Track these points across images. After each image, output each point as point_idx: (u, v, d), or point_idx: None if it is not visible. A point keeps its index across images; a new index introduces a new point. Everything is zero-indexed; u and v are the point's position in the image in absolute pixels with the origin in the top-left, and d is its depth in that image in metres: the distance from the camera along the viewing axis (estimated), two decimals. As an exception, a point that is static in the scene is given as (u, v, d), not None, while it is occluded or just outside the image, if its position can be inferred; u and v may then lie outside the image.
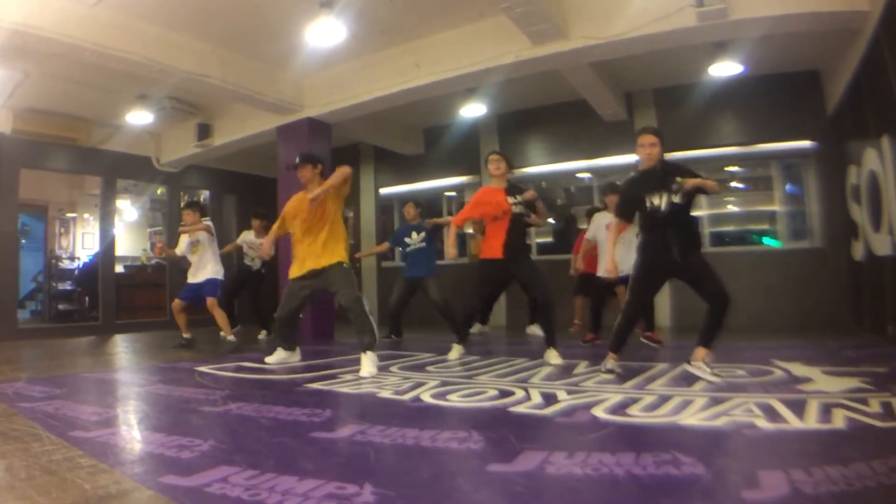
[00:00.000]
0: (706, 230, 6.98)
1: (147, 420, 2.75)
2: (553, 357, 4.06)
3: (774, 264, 6.59)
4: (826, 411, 2.38)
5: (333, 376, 3.79)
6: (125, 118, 7.22)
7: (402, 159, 8.99)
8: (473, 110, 7.20)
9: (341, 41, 5.10)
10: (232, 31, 5.51)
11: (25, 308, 9.44)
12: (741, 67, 5.82)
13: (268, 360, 4.43)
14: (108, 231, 8.56)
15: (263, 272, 6.87)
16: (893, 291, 4.46)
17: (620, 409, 2.60)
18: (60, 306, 8.77)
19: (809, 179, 6.58)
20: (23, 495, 1.63)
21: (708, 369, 3.24)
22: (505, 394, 3.03)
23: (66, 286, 9.04)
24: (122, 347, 6.33)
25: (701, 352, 3.30)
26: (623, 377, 3.40)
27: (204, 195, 10.16)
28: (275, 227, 4.42)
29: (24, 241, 8.85)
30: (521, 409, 2.69)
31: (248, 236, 6.89)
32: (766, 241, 6.94)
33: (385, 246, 6.89)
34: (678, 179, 3.25)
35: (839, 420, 2.25)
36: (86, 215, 10.51)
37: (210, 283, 5.63)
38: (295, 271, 4.22)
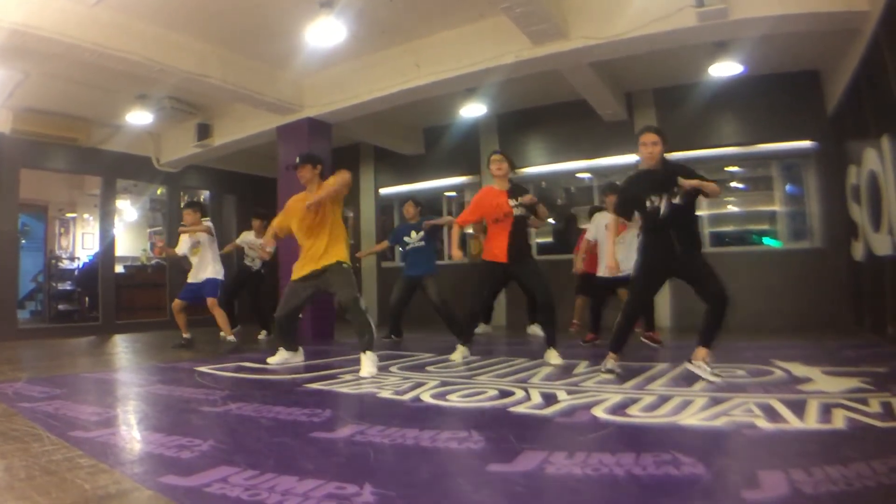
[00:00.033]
0: (706, 230, 6.98)
1: (147, 420, 2.75)
2: (553, 357, 4.06)
3: (774, 264, 6.59)
4: (826, 411, 2.38)
5: (333, 376, 3.79)
6: (125, 118, 7.21)
7: (402, 159, 8.99)
8: (473, 110, 7.20)
9: (341, 41, 5.10)
10: (232, 31, 5.52)
11: (25, 308, 9.44)
12: (741, 67, 5.82)
13: (270, 360, 4.43)
14: (108, 231, 8.56)
15: (263, 272, 6.87)
16: (893, 291, 4.46)
17: (620, 409, 2.60)
18: (60, 306, 8.76)
19: (809, 179, 6.58)
20: (22, 495, 1.63)
21: (708, 369, 3.24)
22: (505, 394, 3.03)
23: (66, 286, 9.04)
24: (122, 347, 6.33)
25: (701, 352, 3.31)
26: (623, 377, 3.40)
27: (204, 195, 10.16)
28: (275, 221, 4.41)
29: (23, 241, 8.84)
30: (521, 409, 2.69)
31: (247, 236, 6.89)
32: (766, 241, 6.94)
33: (384, 244, 6.88)
34: (679, 180, 3.25)
35: (839, 420, 2.24)
36: (86, 215, 10.51)
37: (210, 284, 5.63)
38: (297, 272, 4.22)
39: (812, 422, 2.26)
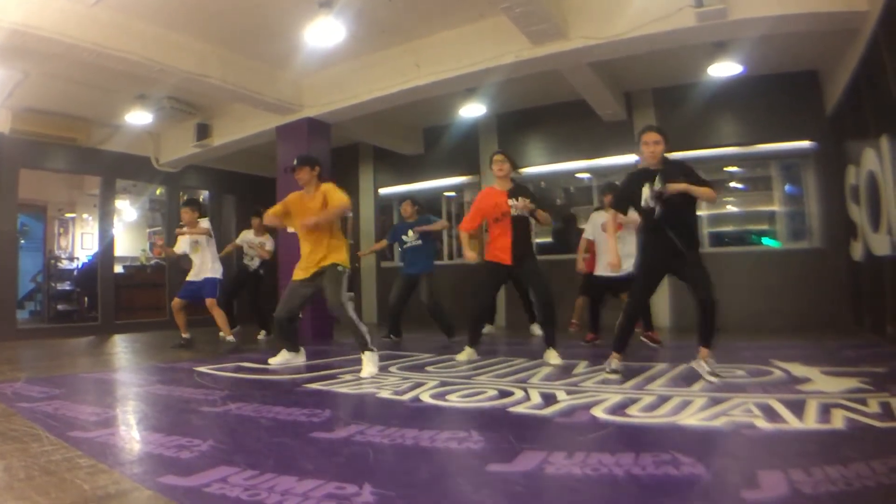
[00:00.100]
0: (705, 230, 6.98)
1: (146, 420, 2.75)
2: (553, 357, 4.07)
3: (774, 264, 6.59)
4: (825, 411, 2.38)
5: (333, 376, 3.79)
6: (125, 118, 7.21)
7: (401, 159, 8.98)
8: (473, 110, 7.20)
9: (341, 41, 5.09)
10: (231, 31, 5.51)
11: (24, 308, 9.43)
12: (740, 67, 5.82)
13: (272, 361, 4.42)
14: (108, 231, 8.55)
15: (262, 273, 6.88)
16: (892, 291, 4.46)
17: (620, 409, 2.60)
18: (59, 306, 8.76)
19: (809, 180, 6.58)
20: (22, 495, 1.63)
21: (706, 368, 3.26)
22: (504, 394, 3.03)
23: (66, 286, 9.04)
24: (122, 347, 6.33)
25: (703, 352, 3.34)
26: (623, 377, 3.40)
27: (203, 195, 10.16)
28: (277, 208, 4.35)
29: (23, 241, 8.83)
30: (520, 409, 2.69)
31: (247, 235, 6.90)
32: (766, 241, 6.94)
33: (384, 243, 6.89)
34: (662, 183, 3.26)
35: (838, 420, 2.25)
36: (85, 215, 10.51)
37: (209, 283, 5.63)
38: (298, 274, 4.23)
39: (811, 422, 2.27)
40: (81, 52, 4.86)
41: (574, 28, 4.93)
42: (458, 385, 3.34)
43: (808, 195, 6.58)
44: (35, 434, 2.34)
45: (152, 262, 9.72)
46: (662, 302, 6.59)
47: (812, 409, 2.44)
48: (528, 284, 4.41)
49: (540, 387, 3.21)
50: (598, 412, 2.55)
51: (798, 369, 3.42)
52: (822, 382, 3.04)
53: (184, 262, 5.97)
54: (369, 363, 3.83)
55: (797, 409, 2.43)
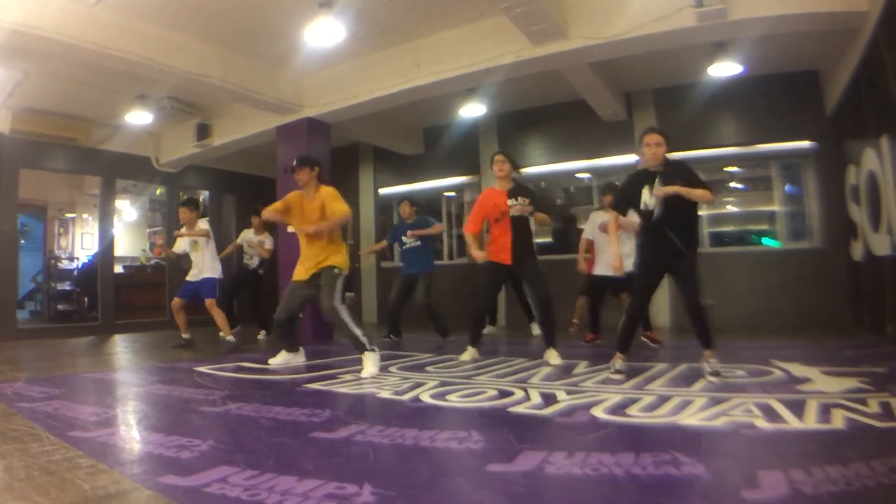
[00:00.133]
0: (705, 230, 6.98)
1: (146, 420, 2.75)
2: (553, 357, 4.07)
3: (774, 264, 6.59)
4: (825, 411, 2.38)
5: (333, 376, 3.79)
6: (124, 118, 7.21)
7: (401, 159, 8.98)
8: (473, 110, 7.20)
9: (341, 41, 5.09)
10: (231, 31, 5.51)
11: (24, 308, 9.43)
12: (741, 67, 5.82)
13: (271, 361, 4.42)
14: (108, 231, 8.55)
15: (261, 273, 6.88)
16: (893, 291, 4.46)
17: (620, 409, 2.60)
18: (59, 306, 8.76)
19: (809, 180, 6.58)
20: (22, 495, 1.63)
21: (708, 368, 3.29)
22: (504, 394, 3.03)
23: (66, 286, 9.03)
24: (122, 347, 6.33)
25: (706, 352, 3.37)
26: (626, 377, 3.41)
27: (203, 195, 10.16)
28: (277, 205, 4.30)
29: (23, 241, 8.83)
30: (520, 409, 2.69)
31: (247, 235, 6.91)
32: (766, 241, 6.94)
33: (384, 243, 6.91)
34: (661, 185, 3.27)
35: (838, 420, 2.25)
36: (85, 215, 10.51)
37: (208, 283, 5.63)
38: (298, 274, 4.22)
39: (811, 422, 2.27)
40: (81, 52, 4.86)
41: (574, 28, 4.93)
42: (458, 385, 3.34)
43: (808, 195, 6.58)
44: (35, 434, 2.34)
45: (152, 262, 9.71)
46: (662, 302, 6.58)
47: (812, 409, 2.44)
48: (527, 284, 4.42)
49: (540, 387, 3.21)
50: (599, 412, 2.55)
51: (798, 369, 3.42)
52: (823, 382, 3.04)
53: (184, 262, 5.97)
54: (370, 363, 3.83)
55: (797, 409, 2.43)
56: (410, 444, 2.15)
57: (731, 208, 7.34)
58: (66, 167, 8.29)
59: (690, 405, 2.61)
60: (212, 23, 5.30)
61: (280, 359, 4.44)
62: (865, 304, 5.42)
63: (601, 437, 2.22)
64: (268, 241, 6.81)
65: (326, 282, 4.03)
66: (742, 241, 7.09)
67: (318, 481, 1.71)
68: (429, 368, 4.06)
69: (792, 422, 2.27)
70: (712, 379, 3.18)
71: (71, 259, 9.89)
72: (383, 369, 3.94)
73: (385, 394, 3.16)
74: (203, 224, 5.75)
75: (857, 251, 5.46)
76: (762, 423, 2.26)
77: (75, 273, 9.29)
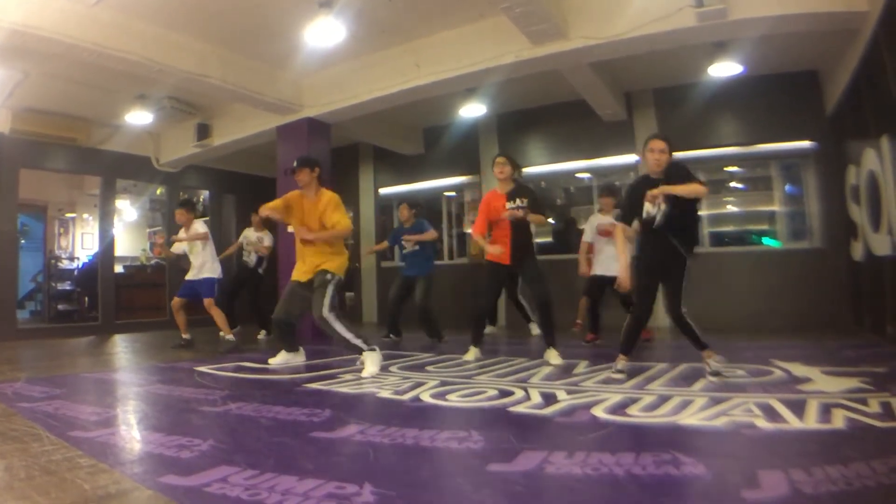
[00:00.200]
0: (706, 230, 6.98)
1: (146, 420, 2.75)
2: (553, 357, 4.07)
3: (774, 264, 6.59)
4: (826, 411, 2.38)
5: (333, 376, 3.79)
6: (125, 118, 7.21)
7: (401, 159, 8.98)
8: (473, 110, 7.20)
9: (341, 41, 5.09)
10: (231, 31, 5.51)
11: (25, 308, 9.43)
12: (741, 67, 5.82)
13: (271, 361, 4.43)
14: (108, 231, 8.55)
15: (261, 272, 6.88)
16: (893, 291, 4.46)
17: (620, 408, 2.60)
18: (60, 306, 8.76)
19: (809, 179, 6.58)
20: (22, 495, 1.63)
21: (708, 368, 3.31)
22: (504, 394, 3.03)
23: (66, 286, 9.03)
24: (122, 347, 6.33)
25: (704, 354, 3.39)
26: (627, 377, 3.41)
27: (203, 195, 10.16)
28: (277, 202, 4.23)
29: (23, 241, 8.83)
30: (520, 408, 2.69)
31: (248, 233, 6.92)
32: (766, 241, 6.94)
33: (385, 245, 6.92)
34: (647, 193, 3.28)
35: (839, 420, 2.25)
36: (85, 215, 10.51)
37: (207, 283, 5.64)
38: (297, 275, 4.20)
39: (812, 422, 2.27)
40: (81, 52, 4.85)
41: (574, 28, 4.93)
42: (459, 385, 3.34)
43: (809, 195, 6.58)
44: (35, 434, 2.35)
45: (152, 262, 9.71)
46: (661, 302, 6.57)
47: (812, 408, 2.44)
48: (526, 284, 4.45)
49: (540, 386, 3.21)
50: (599, 412, 2.55)
51: (798, 369, 3.42)
52: (823, 382, 3.04)
53: (184, 262, 5.98)
54: (370, 362, 3.83)
55: (798, 408, 2.43)
56: (411, 443, 2.15)
57: (731, 208, 7.34)
58: (66, 167, 8.29)
59: (691, 405, 2.61)
60: (212, 23, 5.30)
61: (280, 359, 4.44)
62: (865, 304, 5.42)
63: (601, 436, 2.22)
64: (266, 239, 6.82)
65: (318, 286, 4.01)
66: (742, 241, 7.09)
67: (319, 481, 1.71)
68: (429, 368, 4.06)
69: (792, 422, 2.27)
70: (713, 379, 3.19)
71: (71, 259, 9.89)
72: (383, 369, 3.94)
73: (385, 393, 3.17)
74: (200, 226, 5.76)
75: (858, 251, 5.46)
76: (762, 423, 2.26)
77: (75, 273, 9.29)
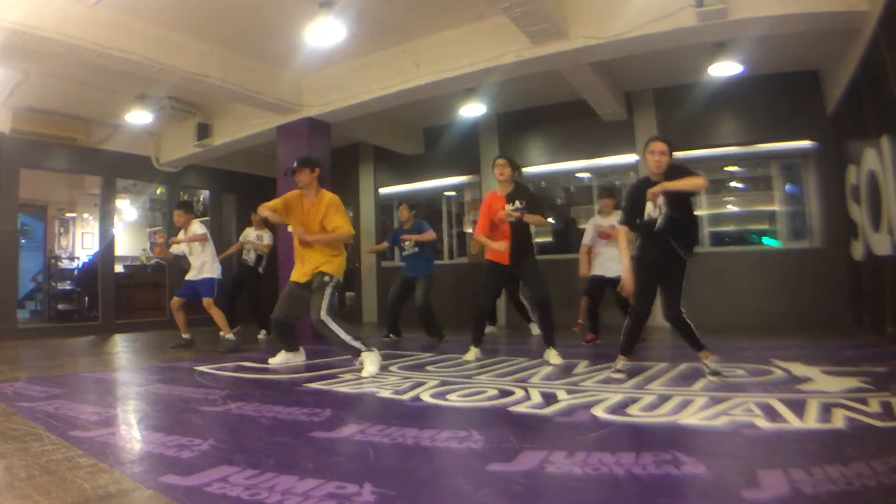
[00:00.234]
0: (706, 230, 6.98)
1: (147, 420, 2.75)
2: (553, 357, 4.08)
3: (774, 264, 6.59)
4: (826, 411, 2.38)
5: (333, 376, 3.79)
6: (125, 118, 7.20)
7: (401, 159, 8.98)
8: (473, 110, 7.19)
9: (341, 41, 5.09)
10: (231, 31, 5.51)
11: (25, 308, 9.44)
12: (741, 67, 5.82)
13: (271, 361, 4.43)
14: (108, 231, 8.55)
15: (261, 271, 6.88)
16: (893, 291, 4.46)
17: (620, 408, 2.60)
18: (60, 306, 8.76)
19: (809, 179, 6.58)
20: (23, 495, 1.63)
21: (708, 368, 3.31)
22: (505, 393, 3.03)
23: (66, 286, 9.03)
24: (122, 347, 6.33)
25: (700, 354, 3.39)
26: (627, 376, 3.41)
27: (203, 195, 10.16)
28: (277, 202, 4.18)
29: (23, 240, 8.84)
30: (520, 408, 2.69)
31: (248, 232, 6.92)
32: (766, 241, 6.94)
33: (385, 245, 6.92)
34: (648, 192, 3.28)
35: (839, 420, 2.25)
36: (85, 215, 10.52)
37: (206, 283, 5.65)
38: (296, 276, 4.19)
39: (812, 421, 2.27)
40: (81, 52, 4.85)
41: (574, 28, 4.93)
42: (459, 384, 3.34)
43: (809, 195, 6.58)
44: (36, 433, 2.35)
45: (152, 261, 9.71)
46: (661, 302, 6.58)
47: (813, 408, 2.44)
48: (525, 284, 4.45)
49: (540, 386, 3.21)
50: (599, 411, 2.55)
51: (798, 369, 3.42)
52: (823, 382, 3.04)
53: (184, 262, 5.98)
54: (369, 363, 3.83)
55: (798, 408, 2.43)
56: (411, 443, 2.15)
57: (731, 208, 7.34)
58: (67, 167, 8.29)
59: (691, 404, 2.61)
60: (212, 22, 5.30)
61: (280, 358, 4.44)
62: (865, 303, 5.42)
63: (602, 436, 2.22)
64: (266, 237, 6.82)
65: (317, 288, 4.00)
66: (742, 240, 7.09)
67: (319, 481, 1.71)
68: (429, 368, 4.06)
69: (792, 421, 2.27)
70: (713, 378, 3.19)
71: (71, 259, 9.89)
72: (383, 368, 3.94)
73: (385, 393, 3.17)
74: (198, 227, 5.78)
75: (858, 251, 5.46)
76: (763, 423, 2.26)
77: (76, 273, 9.29)
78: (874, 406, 2.40)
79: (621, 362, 3.54)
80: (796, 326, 5.95)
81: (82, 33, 4.71)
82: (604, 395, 2.90)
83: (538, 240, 7.98)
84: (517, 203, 4.23)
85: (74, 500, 1.60)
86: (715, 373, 3.24)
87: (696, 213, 3.53)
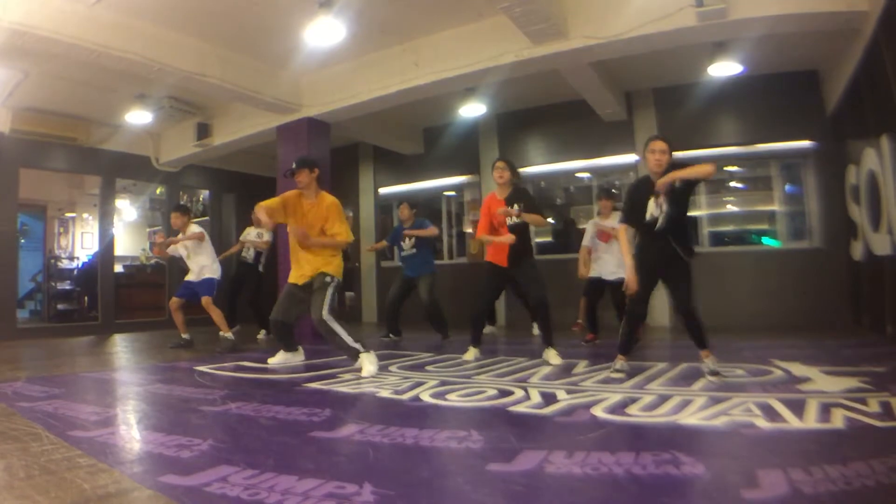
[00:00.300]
0: (705, 230, 6.98)
1: (146, 419, 2.75)
2: (552, 356, 4.08)
3: (774, 264, 6.59)
4: (825, 411, 2.38)
5: (333, 376, 3.79)
6: (124, 118, 7.21)
7: (401, 159, 8.99)
8: (473, 110, 7.19)
9: (340, 41, 5.09)
10: (231, 31, 5.51)
11: (24, 308, 9.44)
12: (741, 67, 5.82)
13: (270, 361, 4.43)
14: (108, 231, 8.56)
15: (261, 270, 6.88)
16: (893, 291, 4.47)
17: (620, 408, 2.60)
18: (59, 306, 8.76)
19: (809, 179, 6.58)
20: (22, 495, 1.63)
21: (708, 368, 3.30)
22: (504, 393, 3.03)
23: (66, 286, 9.04)
24: (121, 347, 6.33)
25: (702, 353, 3.38)
26: (626, 376, 3.41)
27: (203, 195, 10.16)
28: (275, 201, 4.12)
29: (23, 240, 8.84)
30: (520, 408, 2.69)
31: (249, 231, 6.92)
32: (766, 241, 6.95)
33: (384, 243, 6.92)
34: (657, 182, 3.28)
35: (838, 420, 2.25)
36: (85, 215, 10.52)
37: (206, 283, 5.65)
38: (295, 277, 4.19)
39: (811, 421, 2.27)
40: (81, 52, 4.86)
41: (574, 28, 4.93)
42: (458, 384, 3.34)
43: (808, 195, 6.58)
44: (35, 433, 2.34)
45: (152, 261, 9.72)
46: (662, 302, 6.58)
47: (812, 408, 2.44)
48: (523, 285, 4.47)
49: (540, 386, 3.21)
50: (598, 411, 2.55)
51: (798, 369, 3.42)
52: (823, 382, 3.04)
53: (183, 263, 5.98)
54: (367, 363, 3.82)
55: (797, 408, 2.43)
56: (410, 443, 2.15)
57: (731, 208, 7.35)
58: (66, 167, 8.29)
59: (690, 404, 2.61)
60: (211, 22, 5.30)
61: (278, 358, 4.44)
62: (865, 303, 5.42)
63: (601, 436, 2.22)
64: (266, 235, 6.83)
65: (318, 289, 4.01)
66: (742, 240, 7.10)
67: (318, 481, 1.71)
68: (429, 368, 4.06)
69: (792, 421, 2.27)
70: (712, 378, 3.19)
71: (71, 258, 9.90)
72: (383, 368, 3.94)
73: (385, 393, 3.17)
74: (195, 229, 5.78)
75: (857, 251, 5.46)
76: (762, 423, 2.26)
77: (75, 272, 9.30)
78: (874, 406, 2.40)
79: (620, 362, 3.55)
80: (796, 326, 5.95)
81: (82, 33, 4.71)
82: (603, 394, 2.90)
83: (538, 240, 7.99)
84: (516, 207, 4.24)
85: (74, 500, 1.60)
86: (714, 373, 3.24)
87: (689, 214, 3.53)
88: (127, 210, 10.80)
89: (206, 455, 2.02)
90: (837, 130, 5.94)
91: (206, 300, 5.58)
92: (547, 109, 7.69)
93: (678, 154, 3.54)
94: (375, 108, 6.55)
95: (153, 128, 8.16)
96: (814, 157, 6.48)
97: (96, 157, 8.19)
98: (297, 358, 4.50)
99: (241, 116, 7.35)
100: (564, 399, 2.84)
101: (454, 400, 2.93)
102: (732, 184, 7.30)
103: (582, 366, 3.89)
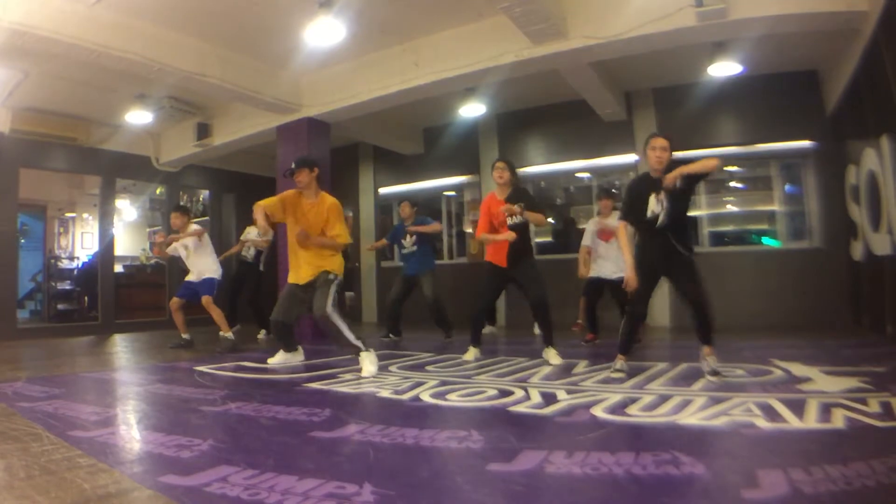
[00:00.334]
0: (706, 230, 6.98)
1: (146, 420, 2.75)
2: (552, 356, 4.08)
3: (774, 264, 6.59)
4: (825, 411, 2.38)
5: (333, 376, 3.79)
6: (124, 118, 7.21)
7: (401, 159, 8.99)
8: (473, 110, 7.19)
9: (340, 41, 5.09)
10: (231, 31, 5.51)
11: (24, 308, 9.44)
12: (740, 67, 5.82)
13: (270, 361, 4.43)
14: (108, 231, 8.56)
15: (261, 269, 6.88)
16: (893, 291, 4.47)
17: (620, 408, 2.60)
18: (60, 306, 8.76)
19: (809, 179, 6.58)
20: (22, 495, 1.63)
21: (706, 367, 3.30)
22: (504, 393, 3.03)
23: (66, 286, 9.04)
24: (122, 347, 6.33)
25: (705, 349, 3.37)
26: (626, 376, 3.41)
27: (203, 195, 10.16)
28: (273, 201, 4.11)
29: (23, 240, 8.83)
30: (520, 408, 2.69)
31: (250, 230, 6.93)
32: (766, 240, 6.95)
33: (384, 242, 6.92)
34: (664, 178, 3.28)
35: (838, 420, 2.25)
36: (85, 215, 10.52)
37: (206, 283, 5.65)
38: (295, 277, 4.20)
39: (811, 421, 2.27)
40: (81, 52, 4.86)
41: (574, 28, 4.93)
42: (459, 384, 3.34)
43: (808, 195, 6.58)
44: (35, 433, 2.34)
45: (152, 261, 9.72)
46: (662, 302, 6.59)
47: (812, 408, 2.44)
48: (523, 285, 4.46)
49: (540, 386, 3.21)
50: (598, 411, 2.55)
51: (798, 369, 3.42)
52: (823, 382, 3.04)
53: (182, 262, 5.98)
54: (367, 363, 3.82)
55: (797, 408, 2.43)
56: (411, 443, 2.15)
57: (731, 208, 7.34)
58: (66, 167, 8.29)
59: (690, 404, 2.61)
60: (211, 22, 5.30)
61: (278, 358, 4.44)
62: (865, 303, 5.42)
63: (601, 436, 2.22)
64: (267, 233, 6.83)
65: (321, 286, 4.02)
66: (742, 240, 7.10)
67: (319, 480, 1.71)
68: (429, 368, 4.06)
69: (792, 421, 2.27)
70: (712, 378, 3.18)
71: (71, 258, 9.90)
72: (383, 368, 3.94)
73: (385, 393, 3.17)
74: (195, 227, 5.78)
75: (857, 251, 5.46)
76: (762, 423, 2.26)
77: (75, 272, 9.29)
78: (874, 406, 2.40)
79: (620, 362, 3.55)
80: (796, 326, 5.95)
81: (82, 33, 4.71)
82: (603, 394, 2.90)
83: (538, 240, 7.99)
84: (516, 207, 4.24)
85: (74, 500, 1.60)
86: (714, 372, 3.24)
87: (689, 214, 3.54)
88: (127, 210, 10.80)
89: (206, 455, 2.02)
90: (837, 130, 5.94)
91: (206, 299, 5.58)
92: (547, 109, 7.69)
93: (677, 154, 3.53)
94: (375, 108, 6.55)
95: (153, 128, 8.16)
96: (814, 157, 6.48)
97: (96, 157, 8.19)
98: (297, 358, 4.50)
99: (241, 116, 7.35)
100: (564, 399, 2.84)
101: (454, 400, 2.93)
102: (732, 184, 7.30)
103: (582, 366, 3.89)
